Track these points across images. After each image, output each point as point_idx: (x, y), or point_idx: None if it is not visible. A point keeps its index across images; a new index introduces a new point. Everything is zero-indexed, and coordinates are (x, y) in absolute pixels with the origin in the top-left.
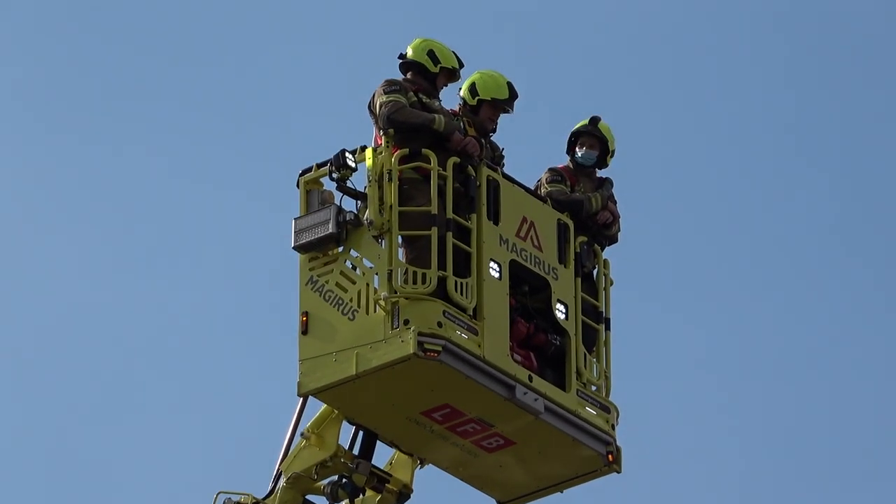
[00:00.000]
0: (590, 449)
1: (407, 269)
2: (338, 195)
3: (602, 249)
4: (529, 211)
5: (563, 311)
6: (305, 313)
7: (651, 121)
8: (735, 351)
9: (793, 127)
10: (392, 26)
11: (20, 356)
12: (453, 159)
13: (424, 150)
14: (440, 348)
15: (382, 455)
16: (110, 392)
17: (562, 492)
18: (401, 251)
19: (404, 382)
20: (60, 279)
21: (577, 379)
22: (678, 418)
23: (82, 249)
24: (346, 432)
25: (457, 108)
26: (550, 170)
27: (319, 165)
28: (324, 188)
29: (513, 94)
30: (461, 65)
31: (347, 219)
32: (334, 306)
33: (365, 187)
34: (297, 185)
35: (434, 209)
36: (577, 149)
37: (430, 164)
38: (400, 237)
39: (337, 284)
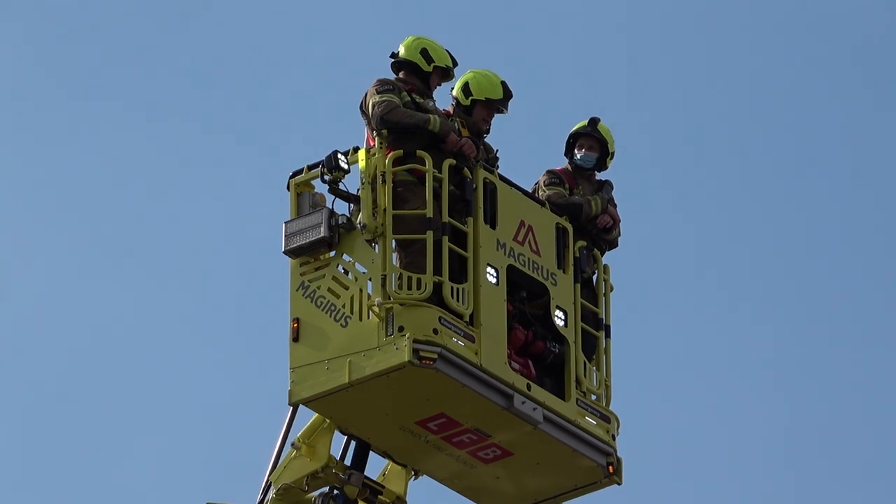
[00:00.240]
0: (590, 460)
1: (401, 275)
2: (330, 198)
3: (602, 254)
4: (527, 214)
5: (562, 317)
6: (297, 320)
7: (651, 122)
8: (739, 360)
9: (794, 130)
10: (384, 24)
11: None
12: (449, 161)
13: (419, 152)
14: (436, 356)
15: (375, 466)
16: (98, 400)
17: None
18: (395, 256)
19: (399, 391)
20: (47, 284)
21: (576, 388)
22: (680, 428)
23: (68, 253)
24: (338, 442)
25: (449, 109)
26: (548, 172)
27: (311, 167)
28: (315, 191)
29: (507, 94)
30: (455, 63)
31: (340, 222)
32: (326, 313)
33: (358, 190)
34: (288, 188)
35: (429, 212)
36: (575, 151)
37: (426, 165)
38: (394, 241)
39: (329, 290)
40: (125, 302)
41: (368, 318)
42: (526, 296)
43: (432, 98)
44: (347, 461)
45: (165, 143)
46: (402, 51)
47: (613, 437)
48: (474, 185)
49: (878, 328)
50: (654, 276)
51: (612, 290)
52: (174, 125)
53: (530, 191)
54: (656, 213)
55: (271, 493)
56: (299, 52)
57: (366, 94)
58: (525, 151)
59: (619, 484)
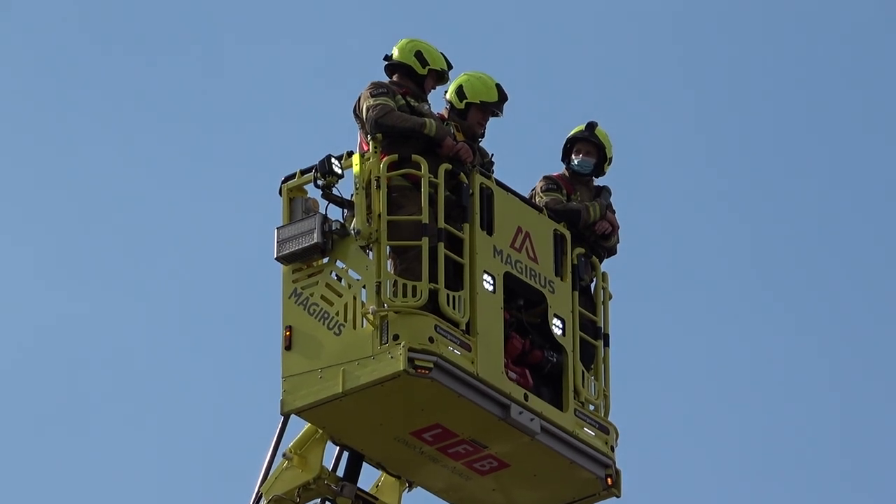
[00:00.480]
0: (588, 472)
1: (396, 282)
2: (323, 203)
3: (600, 261)
4: (525, 221)
5: (560, 326)
6: (289, 328)
7: (650, 127)
8: (740, 370)
9: (794, 132)
10: (377, 27)
11: None
12: (445, 166)
13: (414, 157)
14: (432, 365)
15: (368, 477)
16: (89, 408)
17: None
18: (390, 262)
19: (393, 401)
20: (35, 292)
21: (574, 398)
22: (680, 439)
23: (58, 260)
24: (331, 453)
25: (443, 112)
26: (545, 178)
27: (303, 172)
28: (308, 196)
29: (502, 97)
30: (450, 66)
31: (333, 228)
32: (319, 320)
33: (352, 195)
34: (280, 193)
35: (425, 218)
36: (573, 156)
37: (421, 170)
38: (389, 248)
39: (322, 297)
40: (114, 309)
41: (362, 326)
42: (523, 304)
43: (427, 101)
44: (340, 472)
45: (155, 150)
46: (396, 53)
47: (612, 449)
48: (470, 191)
49: (880, 329)
50: (653, 284)
51: (610, 298)
52: (163, 131)
53: (527, 197)
54: (655, 220)
55: None
56: (294, 58)
57: (359, 98)
58: (521, 156)
59: (617, 496)
